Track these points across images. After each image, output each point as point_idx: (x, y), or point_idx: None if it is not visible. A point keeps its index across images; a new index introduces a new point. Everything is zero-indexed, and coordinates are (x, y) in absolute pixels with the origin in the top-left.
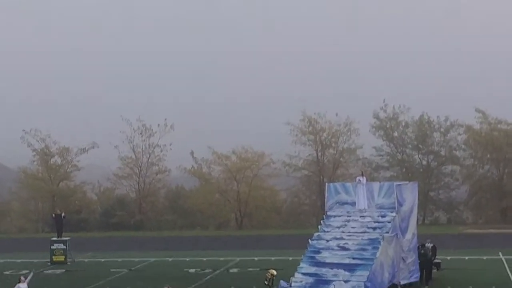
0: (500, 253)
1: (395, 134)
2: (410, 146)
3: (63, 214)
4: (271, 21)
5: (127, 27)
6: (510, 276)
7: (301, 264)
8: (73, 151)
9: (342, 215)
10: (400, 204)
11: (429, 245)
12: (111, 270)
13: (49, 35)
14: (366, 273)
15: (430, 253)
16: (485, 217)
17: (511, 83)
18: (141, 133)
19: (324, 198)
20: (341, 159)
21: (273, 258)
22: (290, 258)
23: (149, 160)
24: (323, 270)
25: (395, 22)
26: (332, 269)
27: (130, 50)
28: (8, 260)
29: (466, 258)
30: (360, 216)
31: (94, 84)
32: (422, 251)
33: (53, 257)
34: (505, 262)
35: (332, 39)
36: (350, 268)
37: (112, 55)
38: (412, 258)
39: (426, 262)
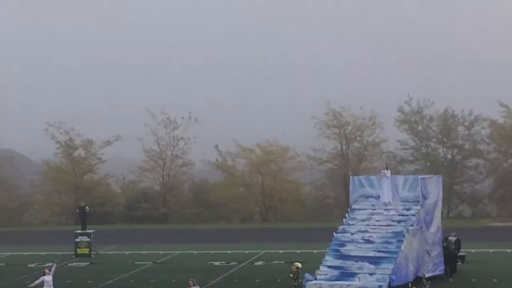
0: None
1: (420, 128)
2: (434, 139)
3: (87, 208)
4: (295, 13)
5: (147, 20)
6: None
7: (326, 257)
8: (97, 143)
9: (366, 208)
10: (425, 198)
11: (452, 238)
12: (136, 262)
13: (70, 21)
14: (391, 266)
15: (454, 247)
16: (510, 210)
17: None
18: (165, 126)
19: (349, 191)
20: (365, 152)
21: (298, 251)
22: (315, 251)
23: (173, 153)
24: (348, 263)
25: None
26: (357, 262)
27: (153, 43)
28: (32, 252)
29: (491, 251)
30: (385, 209)
31: (117, 75)
32: (445, 244)
33: (78, 249)
34: None
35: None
36: (375, 261)
37: (135, 47)
38: (436, 251)
39: (449, 255)
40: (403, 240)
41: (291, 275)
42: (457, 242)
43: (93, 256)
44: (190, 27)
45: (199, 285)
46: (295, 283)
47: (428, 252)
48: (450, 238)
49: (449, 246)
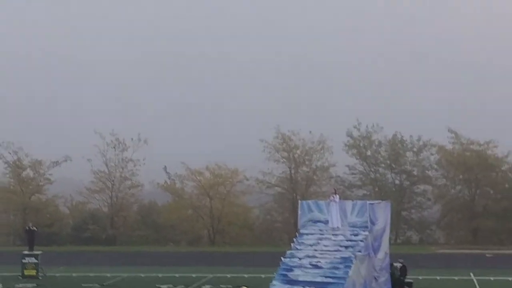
0: (471, 274)
1: (368, 153)
2: (383, 165)
3: (32, 227)
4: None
5: (101, 34)
6: None
7: (274, 282)
8: (46, 164)
9: (315, 233)
10: (373, 223)
11: (397, 264)
12: (83, 285)
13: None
14: None
15: (399, 273)
16: (457, 237)
17: (483, 104)
18: (114, 147)
19: (297, 215)
20: (314, 176)
21: (246, 275)
22: (263, 276)
23: (122, 175)
24: None
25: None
26: (304, 287)
27: (101, 58)
28: None
29: (438, 278)
30: (333, 234)
31: (67, 95)
32: (391, 271)
33: (25, 271)
34: (476, 283)
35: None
36: (322, 286)
37: (83, 61)
38: (384, 277)
39: (395, 281)
40: (351, 266)
41: None
42: (403, 268)
43: (40, 278)
44: (136, 46)
45: None
46: None
47: (375, 278)
48: (395, 264)
49: (393, 272)
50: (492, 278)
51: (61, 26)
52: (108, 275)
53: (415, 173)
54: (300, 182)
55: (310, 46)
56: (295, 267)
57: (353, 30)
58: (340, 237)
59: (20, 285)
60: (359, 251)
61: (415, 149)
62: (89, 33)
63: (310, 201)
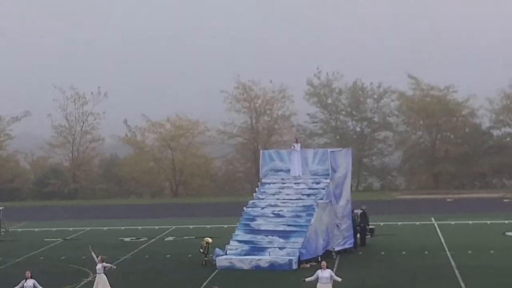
0: (432, 218)
1: (329, 101)
2: (343, 112)
3: None
4: None
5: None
6: (442, 240)
7: (236, 232)
8: (5, 119)
9: (276, 182)
10: (334, 171)
11: (357, 211)
12: (45, 239)
13: None
14: (300, 240)
15: (359, 220)
16: (418, 183)
17: (446, 49)
18: (74, 101)
19: (259, 165)
20: (275, 126)
21: (208, 226)
22: (225, 226)
23: (83, 129)
24: (258, 238)
25: None
26: (267, 236)
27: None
28: None
29: (399, 223)
30: (295, 183)
31: (26, 50)
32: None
33: None
34: (437, 227)
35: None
36: (285, 235)
37: (47, 21)
38: (346, 224)
39: (354, 227)
40: (313, 214)
41: (201, 250)
42: (363, 214)
43: (2, 233)
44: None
45: (110, 263)
46: (206, 258)
47: (337, 226)
48: (356, 211)
49: (355, 219)
50: (452, 222)
51: None
52: (71, 229)
53: (376, 120)
54: (261, 132)
55: None
56: (257, 216)
57: None
58: (302, 186)
59: None
60: (321, 199)
61: (375, 96)
62: None
63: (271, 151)
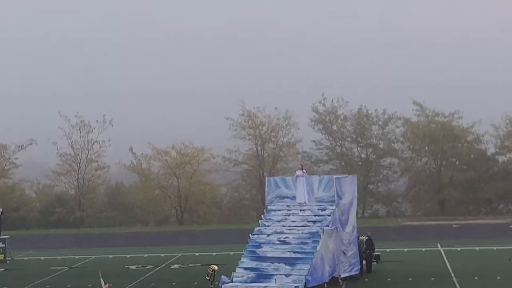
0: (438, 245)
1: (334, 127)
2: (349, 139)
3: (0, 210)
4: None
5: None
6: (448, 266)
7: (242, 259)
8: (11, 148)
9: (282, 209)
10: (340, 197)
11: (363, 237)
12: (51, 268)
13: None
14: (306, 267)
15: (364, 246)
16: (424, 209)
17: (448, 76)
18: (79, 129)
19: (264, 192)
20: (280, 153)
21: (214, 253)
22: (231, 253)
23: (88, 157)
24: (264, 265)
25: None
26: (273, 263)
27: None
28: None
29: (405, 250)
30: (300, 210)
31: (31, 77)
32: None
33: None
34: (443, 253)
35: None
36: (291, 262)
37: (46, 43)
38: (352, 251)
39: (360, 254)
40: (318, 241)
41: (207, 278)
42: (369, 241)
43: (8, 262)
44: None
45: None
46: (212, 286)
47: (344, 252)
48: (361, 237)
49: (360, 246)
50: (459, 248)
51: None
52: (76, 257)
53: (381, 146)
54: (266, 159)
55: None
56: (263, 243)
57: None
58: (308, 212)
59: None
60: (327, 226)
61: (380, 123)
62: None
63: (277, 178)
